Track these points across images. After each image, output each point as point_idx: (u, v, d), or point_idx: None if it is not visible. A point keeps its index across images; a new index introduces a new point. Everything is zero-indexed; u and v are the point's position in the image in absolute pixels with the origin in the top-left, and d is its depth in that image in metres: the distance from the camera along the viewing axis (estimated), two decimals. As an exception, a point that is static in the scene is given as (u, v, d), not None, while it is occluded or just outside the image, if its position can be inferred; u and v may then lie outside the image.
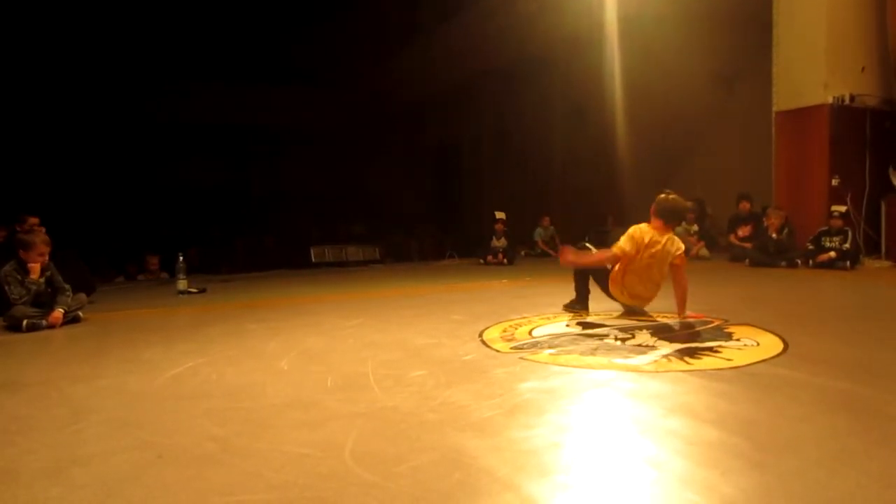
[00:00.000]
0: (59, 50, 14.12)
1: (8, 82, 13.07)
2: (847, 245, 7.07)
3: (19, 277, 4.54)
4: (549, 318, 4.20)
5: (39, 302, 4.59)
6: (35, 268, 4.58)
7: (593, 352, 3.16)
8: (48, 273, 4.67)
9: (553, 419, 2.16)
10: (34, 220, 5.83)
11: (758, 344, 3.22)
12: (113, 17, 14.92)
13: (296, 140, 17.67)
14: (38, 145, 14.26)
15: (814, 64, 7.98)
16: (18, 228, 5.73)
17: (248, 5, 16.74)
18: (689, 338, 3.46)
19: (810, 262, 7.22)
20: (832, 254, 7.07)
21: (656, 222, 4.11)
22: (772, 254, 7.53)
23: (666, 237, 4.07)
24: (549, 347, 3.31)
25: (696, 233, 9.27)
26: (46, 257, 4.67)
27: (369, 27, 17.66)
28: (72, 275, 4.97)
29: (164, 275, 8.51)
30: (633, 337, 3.51)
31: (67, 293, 4.68)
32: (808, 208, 8.00)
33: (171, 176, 16.54)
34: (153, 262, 8.77)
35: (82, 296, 4.93)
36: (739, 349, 3.13)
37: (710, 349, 3.14)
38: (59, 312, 4.51)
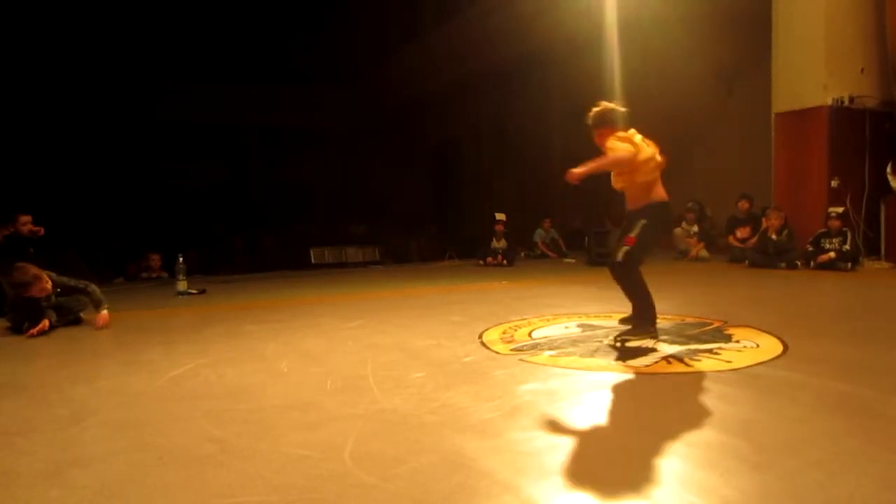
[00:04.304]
0: (61, 48, 14.14)
1: (8, 81, 13.06)
2: (846, 246, 7.07)
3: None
4: (548, 320, 4.20)
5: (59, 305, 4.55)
6: (46, 293, 4.44)
7: (593, 353, 3.16)
8: (58, 290, 4.58)
9: (553, 421, 2.16)
10: (26, 218, 5.74)
11: (757, 345, 3.23)
12: (114, 16, 14.96)
13: (295, 140, 17.69)
14: (37, 144, 14.26)
15: (813, 65, 7.98)
16: (12, 229, 5.66)
17: (249, 5, 16.78)
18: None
19: (811, 263, 7.21)
20: (832, 254, 7.07)
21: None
22: (771, 255, 7.53)
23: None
24: (549, 349, 3.31)
25: (695, 234, 9.26)
26: (47, 282, 4.46)
27: (369, 27, 17.70)
28: (71, 275, 4.95)
29: (165, 274, 8.50)
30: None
31: (89, 288, 4.62)
32: (807, 210, 7.98)
33: (170, 175, 16.56)
34: (155, 259, 8.76)
35: (83, 298, 4.91)
36: (739, 351, 3.13)
37: (710, 351, 3.14)
38: (104, 314, 4.48)
